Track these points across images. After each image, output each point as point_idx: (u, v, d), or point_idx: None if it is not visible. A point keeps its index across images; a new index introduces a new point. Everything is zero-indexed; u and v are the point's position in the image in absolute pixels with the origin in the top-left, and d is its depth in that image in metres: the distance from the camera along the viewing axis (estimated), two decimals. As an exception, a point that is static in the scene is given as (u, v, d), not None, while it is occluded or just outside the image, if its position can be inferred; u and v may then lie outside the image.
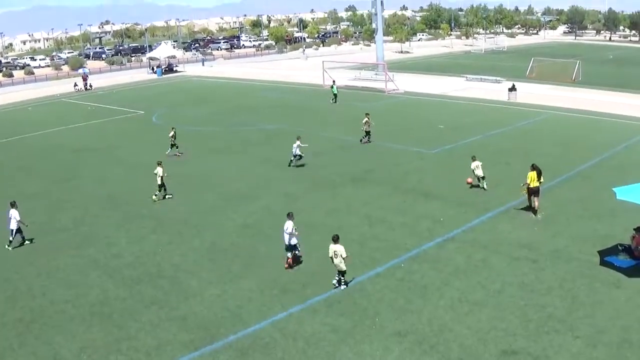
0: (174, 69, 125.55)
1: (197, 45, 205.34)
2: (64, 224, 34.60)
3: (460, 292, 23.97)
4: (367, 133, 48.39)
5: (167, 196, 36.90)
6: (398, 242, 29.05)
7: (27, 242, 31.22)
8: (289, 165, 41.69)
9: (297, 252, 26.95)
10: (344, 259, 23.96)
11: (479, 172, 35.93)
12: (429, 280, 25.08)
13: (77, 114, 76.19)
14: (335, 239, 24.24)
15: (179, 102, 79.28)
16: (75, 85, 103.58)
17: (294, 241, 26.62)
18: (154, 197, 36.65)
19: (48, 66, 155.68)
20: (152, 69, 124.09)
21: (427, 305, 23.14)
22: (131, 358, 20.81)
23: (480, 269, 26.06)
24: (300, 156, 41.81)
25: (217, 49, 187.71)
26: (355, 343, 20.81)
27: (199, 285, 25.66)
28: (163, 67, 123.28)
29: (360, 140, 48.62)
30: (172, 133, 47.17)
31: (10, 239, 30.74)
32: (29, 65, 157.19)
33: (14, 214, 30.55)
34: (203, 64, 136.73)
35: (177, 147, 47.05)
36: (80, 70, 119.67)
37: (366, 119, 48.51)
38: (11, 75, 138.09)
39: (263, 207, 35.13)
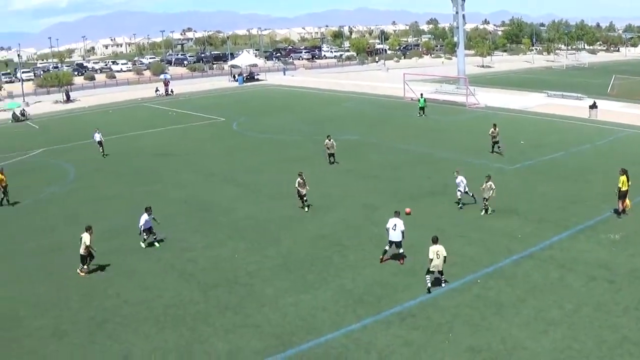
0: (255, 77, 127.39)
1: (278, 54, 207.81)
2: (136, 227, 35.54)
3: (536, 310, 23.77)
4: (495, 143, 48.52)
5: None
6: (474, 258, 28.99)
7: (156, 243, 32.57)
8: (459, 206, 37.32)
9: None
10: (444, 257, 25.06)
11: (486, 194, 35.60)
12: (504, 297, 24.96)
13: (158, 119, 78.34)
14: (435, 240, 25.20)
15: (259, 111, 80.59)
16: (157, 90, 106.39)
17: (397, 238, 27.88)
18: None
19: (130, 70, 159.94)
20: (234, 76, 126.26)
21: (502, 322, 23.03)
22: (202, 360, 21.40)
23: (556, 287, 25.78)
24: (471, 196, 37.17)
25: (299, 59, 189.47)
26: (428, 357, 20.87)
27: (274, 293, 26.11)
28: (244, 75, 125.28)
29: (492, 151, 48.61)
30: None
31: (145, 237, 32.34)
32: (110, 69, 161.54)
33: (145, 217, 31.96)
34: (284, 73, 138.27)
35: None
36: (162, 76, 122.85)
37: (492, 129, 48.61)
38: (93, 78, 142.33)
39: (340, 218, 35.44)
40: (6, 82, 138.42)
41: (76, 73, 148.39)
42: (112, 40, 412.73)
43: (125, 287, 27.85)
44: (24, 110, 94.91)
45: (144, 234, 32.18)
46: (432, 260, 24.90)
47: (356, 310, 24.23)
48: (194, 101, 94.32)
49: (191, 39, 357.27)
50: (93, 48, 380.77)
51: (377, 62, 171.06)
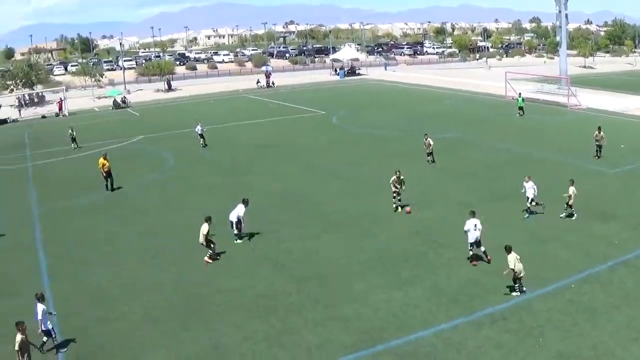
0: (357, 71, 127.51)
1: (380, 49, 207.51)
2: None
3: (629, 318, 22.90)
4: (599, 147, 47.11)
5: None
6: (569, 262, 28.15)
7: (242, 239, 32.67)
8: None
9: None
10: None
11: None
12: (598, 304, 24.13)
13: (258, 110, 79.34)
14: (509, 250, 24.56)
15: (360, 105, 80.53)
16: (258, 82, 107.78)
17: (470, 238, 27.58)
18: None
19: (231, 62, 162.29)
20: (335, 70, 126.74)
21: (594, 328, 22.26)
22: (292, 353, 21.45)
23: (650, 295, 24.88)
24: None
25: (400, 54, 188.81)
26: (517, 361, 20.55)
27: (366, 287, 26.01)
28: (346, 69, 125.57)
29: (595, 155, 47.20)
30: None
31: (236, 231, 32.45)
32: (212, 59, 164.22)
33: (240, 209, 32.17)
34: (385, 69, 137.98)
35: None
36: (263, 68, 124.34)
37: (597, 132, 47.29)
38: (195, 69, 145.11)
39: (436, 215, 35.06)
40: (108, 69, 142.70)
41: (178, 63, 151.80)
42: (214, 31, 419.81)
43: (219, 275, 28.32)
44: (124, 97, 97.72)
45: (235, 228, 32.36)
46: (515, 269, 24.37)
47: (448, 310, 23.90)
48: (295, 94, 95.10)
49: (293, 31, 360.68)
50: (195, 38, 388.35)
51: (478, 59, 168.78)
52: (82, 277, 29.44)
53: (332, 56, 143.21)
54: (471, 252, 27.95)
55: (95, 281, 28.77)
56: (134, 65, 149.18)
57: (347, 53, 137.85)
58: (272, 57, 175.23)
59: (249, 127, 67.24)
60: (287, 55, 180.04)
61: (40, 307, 22.47)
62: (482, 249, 27.78)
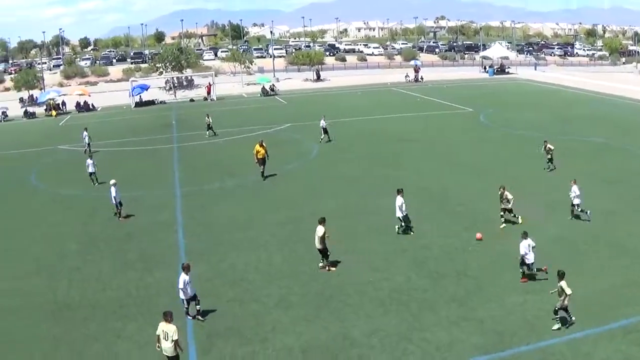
0: (506, 70, 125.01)
1: (530, 48, 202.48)
2: (371, 208, 36.41)
3: None
4: None
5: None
6: None
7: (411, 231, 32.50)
8: None
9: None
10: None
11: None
12: None
13: (405, 104, 79.19)
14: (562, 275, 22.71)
15: (508, 104, 78.67)
16: (407, 76, 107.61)
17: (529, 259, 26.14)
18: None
19: (381, 55, 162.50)
20: (484, 68, 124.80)
21: None
22: (421, 349, 21.28)
23: None
24: None
25: (550, 55, 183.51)
26: (646, 377, 19.50)
27: (502, 289, 25.41)
28: (495, 67, 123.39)
29: None
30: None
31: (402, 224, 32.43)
32: (362, 51, 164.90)
33: (398, 201, 32.01)
34: (535, 68, 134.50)
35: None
36: (413, 62, 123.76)
37: None
38: (344, 60, 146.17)
39: (579, 222, 33.65)
40: (258, 57, 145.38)
41: (328, 53, 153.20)
42: (365, 23, 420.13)
43: (355, 266, 28.44)
44: (273, 85, 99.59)
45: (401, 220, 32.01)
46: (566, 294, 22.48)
47: (581, 319, 22.86)
48: (443, 90, 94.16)
49: (444, 27, 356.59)
50: (345, 30, 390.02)
51: (625, 63, 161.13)
52: (219, 259, 30.44)
53: (481, 53, 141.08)
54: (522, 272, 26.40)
55: (232, 264, 29.65)
56: (284, 54, 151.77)
57: (497, 51, 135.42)
58: (422, 51, 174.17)
59: (394, 120, 67.13)
60: (437, 50, 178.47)
61: (182, 277, 23.68)
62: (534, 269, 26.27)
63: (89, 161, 45.12)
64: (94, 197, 39.32)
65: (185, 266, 24.16)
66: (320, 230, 28.03)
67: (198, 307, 24.11)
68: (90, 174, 44.81)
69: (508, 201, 32.81)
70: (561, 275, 22.40)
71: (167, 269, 29.24)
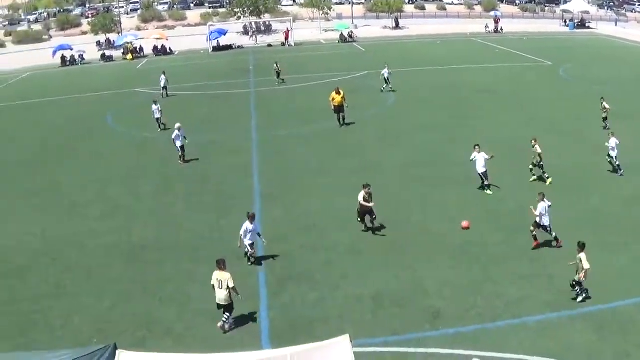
0: (586, 24, 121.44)
1: (612, 3, 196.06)
2: (447, 158, 36.24)
3: None
4: None
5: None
6: None
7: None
8: None
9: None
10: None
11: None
12: None
13: (483, 55, 77.85)
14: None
15: (588, 59, 76.16)
16: (486, 26, 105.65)
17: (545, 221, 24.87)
18: None
19: (461, 4, 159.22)
20: (565, 21, 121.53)
21: None
22: (490, 303, 21.23)
23: None
24: None
25: (632, 11, 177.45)
26: None
27: (573, 247, 24.70)
28: (575, 21, 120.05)
29: None
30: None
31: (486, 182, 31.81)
32: (442, 0, 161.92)
33: (480, 156, 31.39)
34: (616, 24, 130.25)
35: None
36: (493, 13, 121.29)
37: None
38: (423, 8, 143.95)
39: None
40: (336, 3, 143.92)
41: (407, 1, 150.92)
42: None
43: (430, 216, 28.50)
44: (351, 32, 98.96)
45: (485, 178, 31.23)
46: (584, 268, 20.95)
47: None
48: (522, 42, 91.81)
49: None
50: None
51: None
52: (292, 204, 30.82)
53: (562, 7, 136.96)
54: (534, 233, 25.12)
55: (305, 209, 29.98)
56: (363, 1, 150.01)
57: (578, 5, 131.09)
58: (502, 2, 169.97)
59: (473, 71, 65.91)
60: (517, 2, 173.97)
61: (245, 225, 23.97)
62: (553, 234, 25.13)
63: (154, 107, 45.28)
64: (169, 140, 39.91)
65: (250, 215, 24.26)
66: (361, 195, 26.53)
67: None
68: (157, 119, 45.16)
69: (539, 155, 32.21)
70: (581, 247, 21.07)
71: (241, 212, 29.58)
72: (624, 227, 26.90)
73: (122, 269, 25.11)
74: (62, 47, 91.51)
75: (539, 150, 32.09)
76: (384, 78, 55.84)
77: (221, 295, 19.79)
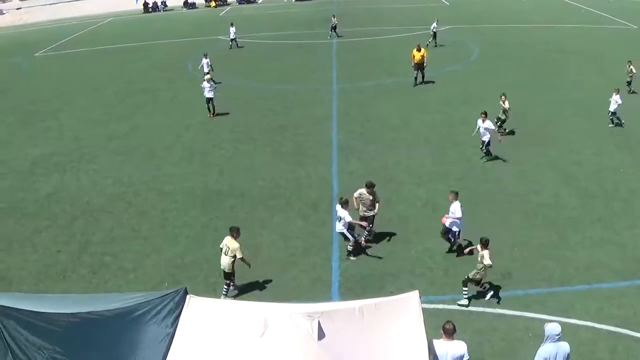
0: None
1: None
2: (527, 117, 35.36)
3: None
4: None
5: None
6: None
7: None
8: None
9: None
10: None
11: None
12: None
13: (568, 14, 75.43)
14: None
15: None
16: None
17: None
18: None
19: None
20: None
21: None
22: (561, 267, 20.96)
23: None
24: None
25: None
26: None
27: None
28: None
29: None
30: None
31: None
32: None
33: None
34: None
35: None
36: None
37: None
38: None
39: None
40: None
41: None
42: None
43: (505, 176, 28.21)
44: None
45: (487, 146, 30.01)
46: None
47: None
48: (609, 3, 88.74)
49: None
50: None
51: None
52: (371, 157, 30.84)
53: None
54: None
55: (383, 163, 30.00)
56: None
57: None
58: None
59: (556, 30, 63.65)
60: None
61: (341, 211, 21.31)
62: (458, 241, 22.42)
63: (205, 60, 44.72)
64: (250, 89, 40.03)
65: (344, 201, 21.47)
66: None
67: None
68: (206, 73, 43.05)
69: (505, 112, 31.98)
70: (484, 243, 19.00)
71: (318, 163, 29.92)
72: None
73: (195, 215, 25.61)
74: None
75: (506, 106, 31.87)
76: (432, 32, 55.42)
77: (224, 262, 19.24)
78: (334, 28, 61.21)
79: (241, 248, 19.13)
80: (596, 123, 34.69)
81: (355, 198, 22.26)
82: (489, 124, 29.19)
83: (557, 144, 31.50)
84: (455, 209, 21.36)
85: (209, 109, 37.86)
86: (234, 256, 19.07)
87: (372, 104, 39.16)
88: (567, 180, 27.69)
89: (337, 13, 67.02)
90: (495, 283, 20.05)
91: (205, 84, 37.34)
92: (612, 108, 33.64)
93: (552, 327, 13.38)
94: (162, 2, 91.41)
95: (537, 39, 58.74)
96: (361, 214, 22.28)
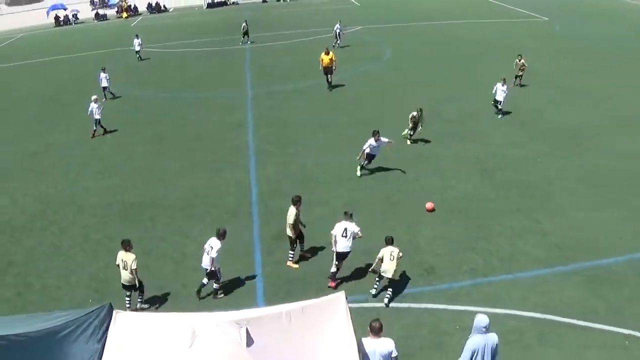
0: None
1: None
2: (443, 114, 36.00)
3: None
4: None
5: None
6: None
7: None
8: None
9: None
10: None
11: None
12: None
13: (477, 9, 76.83)
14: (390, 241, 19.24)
15: (584, 16, 74.91)
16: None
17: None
18: None
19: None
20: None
21: None
22: (484, 259, 21.12)
23: None
24: None
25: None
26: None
27: (568, 204, 24.78)
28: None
29: None
30: None
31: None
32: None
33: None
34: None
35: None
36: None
37: None
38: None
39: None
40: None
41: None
42: None
43: (423, 172, 28.26)
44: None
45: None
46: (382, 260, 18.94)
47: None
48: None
49: None
50: None
51: None
52: (288, 160, 30.58)
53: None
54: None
55: (301, 165, 29.80)
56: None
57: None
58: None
59: (466, 26, 64.97)
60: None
61: (214, 242, 19.44)
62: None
63: (102, 75, 42.95)
64: (162, 99, 39.20)
65: (220, 233, 19.52)
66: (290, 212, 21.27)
67: (216, 285, 19.84)
68: (104, 88, 42.75)
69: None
70: (389, 241, 19.05)
71: (236, 168, 29.49)
72: (619, 183, 26.67)
73: (116, 227, 24.83)
74: (55, 7, 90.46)
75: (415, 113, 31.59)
76: (336, 33, 55.75)
77: (126, 277, 18.73)
78: (246, 33, 60.81)
79: (136, 259, 18.63)
80: (511, 115, 35.28)
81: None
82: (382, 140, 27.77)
83: (474, 138, 31.86)
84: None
85: (98, 128, 36.09)
86: (132, 268, 18.60)
87: (287, 107, 38.88)
88: (484, 173, 27.95)
89: (250, 18, 66.70)
90: (418, 279, 20.07)
91: (93, 105, 35.52)
92: (499, 97, 34.75)
93: (480, 319, 13.43)
94: (73, 15, 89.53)
95: (449, 35, 59.69)
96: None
